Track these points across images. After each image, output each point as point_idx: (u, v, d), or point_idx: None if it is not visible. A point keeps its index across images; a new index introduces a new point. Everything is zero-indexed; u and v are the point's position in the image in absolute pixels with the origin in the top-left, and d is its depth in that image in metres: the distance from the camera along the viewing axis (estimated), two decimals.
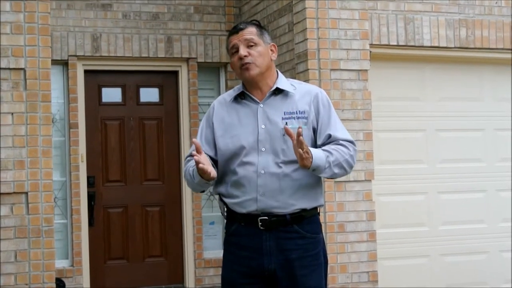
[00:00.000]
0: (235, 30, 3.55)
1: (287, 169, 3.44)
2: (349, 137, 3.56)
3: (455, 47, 7.17)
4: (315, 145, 3.52)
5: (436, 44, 7.09)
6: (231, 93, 3.62)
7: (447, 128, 7.36)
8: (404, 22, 6.99)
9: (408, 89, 7.26)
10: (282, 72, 3.72)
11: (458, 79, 7.44)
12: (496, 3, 7.30)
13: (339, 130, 3.55)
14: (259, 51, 3.50)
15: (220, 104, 3.63)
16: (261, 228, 3.45)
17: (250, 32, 3.51)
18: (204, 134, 3.62)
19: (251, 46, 3.49)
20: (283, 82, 3.57)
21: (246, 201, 3.46)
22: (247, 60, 3.47)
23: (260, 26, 3.58)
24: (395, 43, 6.97)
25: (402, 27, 6.97)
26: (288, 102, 3.52)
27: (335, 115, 3.58)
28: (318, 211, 3.58)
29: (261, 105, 3.51)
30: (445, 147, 7.34)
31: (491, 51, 7.32)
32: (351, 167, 3.53)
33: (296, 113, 3.49)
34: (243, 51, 3.47)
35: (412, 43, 7.02)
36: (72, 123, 7.47)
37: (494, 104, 7.54)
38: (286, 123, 3.45)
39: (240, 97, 3.58)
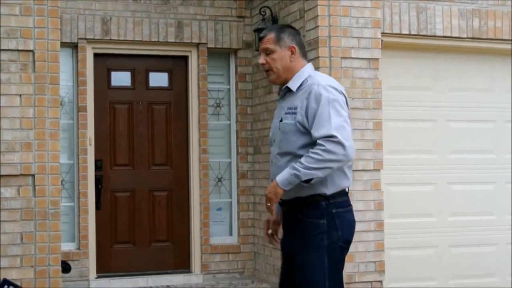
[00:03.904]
0: (260, 37, 3.98)
1: (281, 160, 3.80)
2: (327, 132, 3.60)
3: (467, 37, 7.11)
4: (302, 138, 3.71)
5: (449, 34, 7.03)
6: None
7: (458, 118, 7.32)
8: (417, 11, 6.93)
9: (419, 79, 7.21)
10: None
11: (469, 70, 7.39)
12: None
13: (320, 126, 3.63)
14: (274, 58, 3.85)
15: None
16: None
17: (268, 40, 3.87)
18: None
19: (268, 54, 3.87)
20: (295, 80, 3.84)
21: None
22: (264, 68, 3.91)
23: (279, 30, 3.88)
24: (407, 32, 6.92)
25: (414, 16, 6.92)
26: (292, 99, 3.83)
27: (324, 107, 3.67)
28: (320, 197, 3.71)
29: (281, 101, 3.93)
30: (455, 137, 7.30)
31: (504, 42, 7.25)
32: (332, 161, 3.59)
33: (291, 108, 3.78)
34: (261, 59, 3.90)
35: (424, 33, 6.97)
36: (80, 106, 7.45)
37: (505, 95, 7.49)
38: (280, 128, 3.83)
39: (279, 92, 4.00)
